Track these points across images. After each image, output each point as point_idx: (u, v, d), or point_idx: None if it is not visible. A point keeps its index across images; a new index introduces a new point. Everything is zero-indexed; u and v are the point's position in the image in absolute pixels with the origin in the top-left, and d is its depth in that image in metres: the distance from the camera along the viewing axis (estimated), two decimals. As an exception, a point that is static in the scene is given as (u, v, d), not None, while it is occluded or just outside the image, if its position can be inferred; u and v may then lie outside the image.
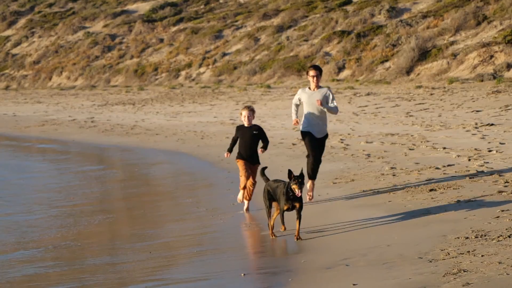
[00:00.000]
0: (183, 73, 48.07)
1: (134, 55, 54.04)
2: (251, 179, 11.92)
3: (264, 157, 13.20)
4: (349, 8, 46.15)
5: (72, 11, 68.10)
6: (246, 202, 12.09)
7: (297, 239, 9.51)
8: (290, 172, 9.74)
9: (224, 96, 37.06)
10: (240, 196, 12.12)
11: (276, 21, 49.29)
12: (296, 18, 48.09)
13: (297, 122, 12.28)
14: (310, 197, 12.13)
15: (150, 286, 7.99)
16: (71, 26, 63.44)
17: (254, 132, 12.16)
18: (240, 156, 12.16)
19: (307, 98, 12.22)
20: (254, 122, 12.39)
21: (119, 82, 50.89)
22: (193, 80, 46.41)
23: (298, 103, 12.53)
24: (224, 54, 47.61)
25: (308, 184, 12.10)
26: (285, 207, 9.69)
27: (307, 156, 12.17)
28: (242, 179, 12.02)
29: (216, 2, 59.84)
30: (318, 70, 12.29)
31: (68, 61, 57.22)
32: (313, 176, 12.26)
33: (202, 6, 60.13)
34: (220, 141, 21.71)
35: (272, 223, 9.98)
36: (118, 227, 12.09)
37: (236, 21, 52.84)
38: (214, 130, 24.89)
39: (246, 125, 12.25)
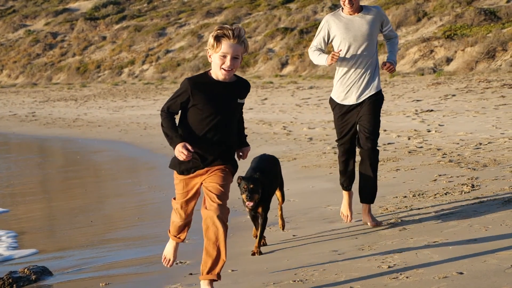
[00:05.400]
0: (126, 70, 47.72)
1: (76, 53, 53.44)
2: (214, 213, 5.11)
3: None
4: (292, 5, 46.43)
5: (13, 9, 67.04)
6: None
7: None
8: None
9: (167, 92, 36.87)
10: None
11: (219, 18, 49.32)
12: (239, 16, 48.18)
13: (333, 58, 6.78)
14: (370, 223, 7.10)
15: (90, 247, 7.94)
16: (12, 24, 62.45)
17: (239, 100, 5.30)
18: (186, 164, 5.27)
19: (343, 30, 6.94)
20: None
21: (61, 79, 50.25)
22: (136, 77, 46.11)
23: (322, 45, 7.06)
24: (168, 51, 47.40)
25: (362, 209, 7.25)
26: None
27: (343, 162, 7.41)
28: (177, 219, 5.49)
29: (159, 1, 59.56)
30: None
31: (9, 59, 56.28)
32: (370, 191, 7.11)
33: (145, 4, 59.79)
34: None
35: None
36: (58, 203, 11.94)
37: (180, 18, 52.69)
38: (158, 121, 24.67)
39: (221, 78, 5.21)
